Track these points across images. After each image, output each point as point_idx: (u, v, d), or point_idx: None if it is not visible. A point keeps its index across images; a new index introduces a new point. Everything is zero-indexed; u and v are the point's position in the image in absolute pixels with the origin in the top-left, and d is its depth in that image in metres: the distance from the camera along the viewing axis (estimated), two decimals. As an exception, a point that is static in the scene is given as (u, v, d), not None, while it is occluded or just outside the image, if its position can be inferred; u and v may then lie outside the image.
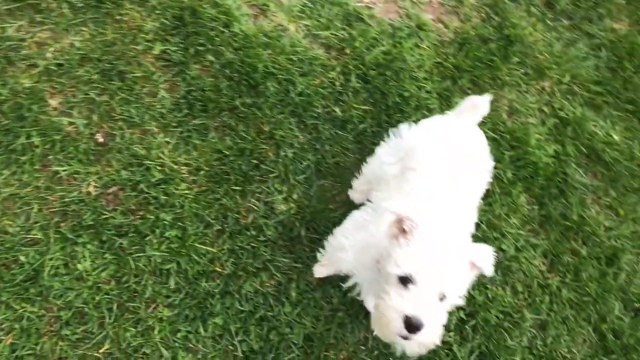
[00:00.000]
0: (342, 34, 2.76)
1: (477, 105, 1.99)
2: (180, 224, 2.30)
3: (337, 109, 2.63)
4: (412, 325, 1.36)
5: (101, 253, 2.24)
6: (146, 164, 2.38)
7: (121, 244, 2.27)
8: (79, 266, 2.21)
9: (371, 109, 2.65)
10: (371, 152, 2.27)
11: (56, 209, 2.28)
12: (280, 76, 2.61)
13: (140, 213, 2.33)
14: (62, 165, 2.32)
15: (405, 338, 1.42)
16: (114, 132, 2.41)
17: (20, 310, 2.14)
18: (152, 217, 2.32)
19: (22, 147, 2.26)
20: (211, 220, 2.33)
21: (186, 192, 2.38)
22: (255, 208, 2.37)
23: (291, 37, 2.71)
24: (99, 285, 2.21)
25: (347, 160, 2.55)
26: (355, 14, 2.85)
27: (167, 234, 2.30)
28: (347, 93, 2.63)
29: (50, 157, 2.32)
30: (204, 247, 2.32)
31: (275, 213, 2.38)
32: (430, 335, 1.43)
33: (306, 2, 2.80)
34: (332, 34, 2.77)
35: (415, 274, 1.41)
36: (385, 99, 2.66)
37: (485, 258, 1.48)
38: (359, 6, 2.88)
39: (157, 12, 2.56)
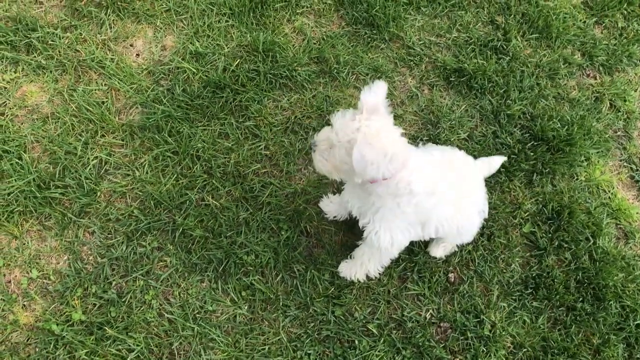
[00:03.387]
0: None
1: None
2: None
3: (670, 359, 3.11)
4: None
5: (417, 373, 2.95)
6: (481, 318, 3.11)
7: (435, 374, 2.95)
8: (396, 374, 2.94)
9: None
10: None
11: (396, 317, 3.10)
12: (626, 302, 3.21)
13: (460, 357, 3.03)
14: (414, 283, 3.18)
15: None
16: (464, 278, 3.23)
17: (338, 384, 2.90)
18: (466, 365, 2.98)
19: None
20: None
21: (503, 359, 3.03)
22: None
23: (646, 272, 3.34)
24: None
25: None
26: None
27: (474, 388, 2.92)
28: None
29: (408, 273, 3.20)
30: (500, 418, 2.88)
31: None
32: None
33: (670, 246, 3.44)
34: (686, 287, 3.32)
35: None
36: None
37: None
38: None
39: (540, 198, 3.44)
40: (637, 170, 3.47)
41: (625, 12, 3.91)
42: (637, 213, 3.32)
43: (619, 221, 3.27)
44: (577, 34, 3.76)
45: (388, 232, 2.55)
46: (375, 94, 2.23)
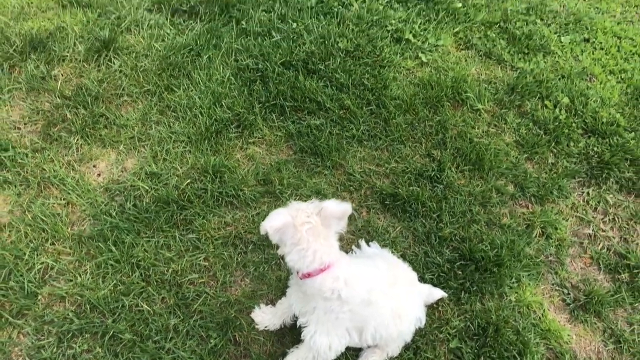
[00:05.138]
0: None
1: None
2: None
3: None
4: None
5: None
6: None
7: None
8: None
9: None
10: None
11: None
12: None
13: None
14: None
15: None
16: None
17: None
18: None
19: None
20: None
21: None
22: None
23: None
24: None
25: None
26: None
27: None
28: None
29: None
30: None
31: None
32: None
33: (601, 369, 3.48)
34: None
35: None
36: None
37: None
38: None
39: (468, 315, 3.57)
40: (569, 294, 3.61)
41: (554, 150, 4.32)
42: (567, 335, 3.41)
43: (549, 342, 3.37)
44: (509, 167, 4.13)
45: (325, 335, 2.71)
46: (337, 208, 2.52)
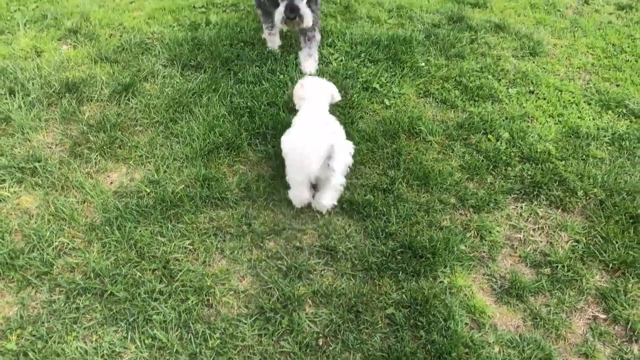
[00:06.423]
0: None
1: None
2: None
3: (504, 419, 3.57)
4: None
5: (275, 410, 3.51)
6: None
7: (291, 411, 3.50)
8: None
9: None
10: None
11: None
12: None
13: (316, 401, 3.58)
14: (288, 343, 3.88)
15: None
16: (331, 344, 3.92)
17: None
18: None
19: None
20: None
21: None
22: None
23: (489, 354, 3.96)
24: None
25: None
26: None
27: None
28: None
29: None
30: None
31: None
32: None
33: (517, 338, 4.09)
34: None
35: None
36: None
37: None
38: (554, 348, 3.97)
39: (403, 290, 4.26)
40: (497, 282, 4.29)
41: (493, 172, 5.10)
42: (491, 312, 4.07)
43: (474, 315, 4.01)
44: (452, 184, 4.91)
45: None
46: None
